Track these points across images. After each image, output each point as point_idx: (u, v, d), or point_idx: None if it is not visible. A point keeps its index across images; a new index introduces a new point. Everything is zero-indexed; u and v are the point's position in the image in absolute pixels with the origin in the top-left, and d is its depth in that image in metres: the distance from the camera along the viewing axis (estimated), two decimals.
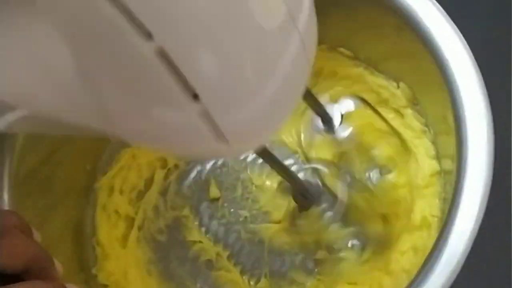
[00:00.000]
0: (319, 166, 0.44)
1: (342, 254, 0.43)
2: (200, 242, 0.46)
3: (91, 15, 0.18)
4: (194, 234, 0.46)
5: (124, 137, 0.23)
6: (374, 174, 0.44)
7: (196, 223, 0.47)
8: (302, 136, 0.45)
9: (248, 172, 0.47)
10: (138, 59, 0.19)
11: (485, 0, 0.51)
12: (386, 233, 0.42)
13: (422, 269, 0.30)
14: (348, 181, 0.42)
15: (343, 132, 0.42)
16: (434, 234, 0.39)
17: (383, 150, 0.44)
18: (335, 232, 0.43)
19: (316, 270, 0.44)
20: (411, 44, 0.38)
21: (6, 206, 0.37)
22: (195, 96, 0.20)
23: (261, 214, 0.46)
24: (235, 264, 0.45)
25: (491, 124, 0.34)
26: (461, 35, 0.36)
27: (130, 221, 0.47)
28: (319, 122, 0.42)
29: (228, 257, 0.46)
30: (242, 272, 0.45)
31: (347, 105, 0.42)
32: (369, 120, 0.43)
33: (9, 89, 0.21)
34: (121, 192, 0.48)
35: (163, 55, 0.19)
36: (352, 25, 0.43)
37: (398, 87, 0.45)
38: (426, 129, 0.43)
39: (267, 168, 0.46)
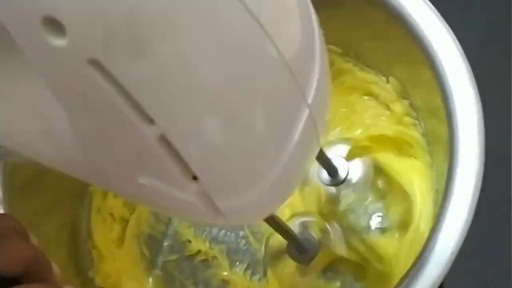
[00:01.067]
0: (315, 220, 0.43)
1: None
2: (197, 241, 0.46)
3: (93, 95, 0.18)
4: (190, 233, 0.47)
5: (119, 195, 0.23)
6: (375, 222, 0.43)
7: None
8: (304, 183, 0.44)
9: None
10: (138, 140, 0.18)
11: (485, 1, 0.52)
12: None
13: (417, 262, 0.31)
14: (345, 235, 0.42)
15: (348, 188, 0.42)
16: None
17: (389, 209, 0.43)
18: None
19: None
20: (400, 38, 0.38)
21: (1, 210, 0.37)
22: (194, 178, 0.20)
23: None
24: (234, 263, 0.46)
25: (482, 116, 0.34)
26: (449, 28, 0.36)
27: (125, 223, 0.47)
28: (323, 173, 0.42)
29: (227, 256, 0.46)
30: (241, 271, 0.45)
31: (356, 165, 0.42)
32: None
33: (2, 133, 0.21)
34: (115, 194, 0.48)
35: (164, 140, 0.18)
36: (341, 22, 0.44)
37: (388, 81, 0.45)
38: (417, 122, 0.43)
39: None
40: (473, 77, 0.35)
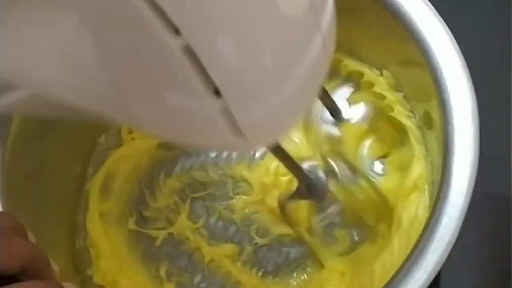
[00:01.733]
0: (322, 163, 0.44)
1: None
2: (195, 237, 0.46)
3: (120, 7, 0.18)
4: (188, 230, 0.47)
5: (137, 125, 0.23)
6: (377, 167, 0.45)
7: (190, 218, 0.47)
8: (309, 125, 0.45)
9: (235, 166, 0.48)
10: (164, 53, 0.19)
11: (484, 0, 0.52)
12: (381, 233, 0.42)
13: (417, 247, 0.31)
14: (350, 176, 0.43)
15: (350, 127, 0.43)
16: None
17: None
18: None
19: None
20: (393, 31, 0.38)
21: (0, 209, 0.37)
22: (217, 92, 0.20)
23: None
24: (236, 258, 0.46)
25: (476, 107, 0.34)
26: (443, 21, 0.36)
27: (123, 220, 0.47)
28: (327, 114, 0.42)
29: (226, 251, 0.46)
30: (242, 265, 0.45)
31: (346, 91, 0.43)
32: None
33: (24, 70, 0.21)
34: (112, 192, 0.48)
35: (190, 52, 0.19)
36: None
37: (382, 74, 0.45)
38: (412, 114, 0.43)
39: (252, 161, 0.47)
40: (467, 68, 0.35)
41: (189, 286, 0.46)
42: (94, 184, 0.48)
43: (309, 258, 0.45)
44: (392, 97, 0.44)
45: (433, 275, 0.30)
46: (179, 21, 0.18)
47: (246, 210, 0.47)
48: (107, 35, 0.19)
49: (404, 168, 0.43)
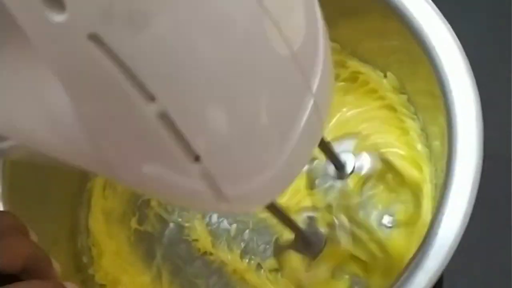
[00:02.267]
0: (322, 214, 0.43)
1: None
2: (198, 237, 0.46)
3: (94, 73, 0.17)
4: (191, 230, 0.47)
5: (121, 183, 0.22)
6: (386, 220, 0.43)
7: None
8: (311, 178, 0.44)
9: None
10: (138, 118, 0.18)
11: (484, 0, 0.52)
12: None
13: (419, 250, 0.31)
14: (353, 230, 0.42)
15: (354, 181, 0.42)
16: None
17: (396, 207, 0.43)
18: None
19: None
20: (397, 33, 0.38)
21: (1, 208, 0.37)
22: (197, 159, 0.19)
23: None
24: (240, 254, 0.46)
25: (480, 109, 0.34)
26: (447, 22, 0.36)
27: (125, 219, 0.47)
28: (330, 167, 0.42)
29: (230, 248, 0.46)
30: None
31: (364, 158, 0.42)
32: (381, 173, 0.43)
33: (6, 123, 0.21)
34: (114, 191, 0.48)
35: (165, 118, 0.18)
36: (338, 19, 0.44)
37: (385, 76, 0.45)
38: (415, 117, 0.43)
39: None
40: (471, 71, 0.35)
41: (191, 285, 0.46)
42: (97, 183, 0.48)
43: None
44: (395, 98, 0.44)
45: (435, 279, 0.30)
46: (154, 87, 0.17)
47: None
48: (80, 94, 0.18)
49: (412, 222, 0.41)
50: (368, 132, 0.45)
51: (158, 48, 0.17)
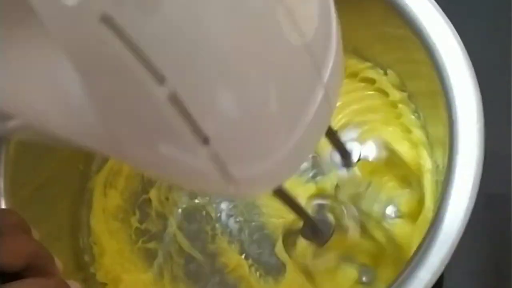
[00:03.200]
0: (331, 202, 0.42)
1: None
2: None
3: (105, 55, 0.17)
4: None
5: (130, 165, 0.23)
6: (390, 211, 0.44)
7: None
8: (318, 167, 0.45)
9: None
10: (149, 100, 0.18)
11: (485, 0, 0.52)
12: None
13: (421, 247, 0.31)
14: (361, 219, 0.42)
15: (360, 169, 0.43)
16: None
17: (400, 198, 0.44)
18: None
19: None
20: (398, 30, 0.38)
21: (3, 206, 0.37)
22: (206, 140, 0.19)
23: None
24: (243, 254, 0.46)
25: (481, 107, 0.34)
26: (448, 20, 0.36)
27: (126, 218, 0.47)
28: (336, 156, 0.41)
29: (230, 244, 0.46)
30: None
31: (369, 147, 0.42)
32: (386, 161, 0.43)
33: (17, 102, 0.21)
34: (115, 189, 0.48)
35: (176, 100, 0.18)
36: (340, 16, 0.44)
37: (386, 74, 0.45)
38: (416, 114, 0.43)
39: None
40: (473, 69, 0.35)
41: (192, 284, 0.46)
42: (98, 182, 0.48)
43: None
44: (396, 95, 0.44)
45: (437, 275, 0.30)
46: (164, 68, 0.18)
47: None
48: (92, 77, 0.19)
49: (416, 214, 0.41)
50: (371, 126, 0.45)
51: (169, 30, 0.17)
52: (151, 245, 0.47)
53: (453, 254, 0.31)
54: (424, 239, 0.31)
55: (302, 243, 0.42)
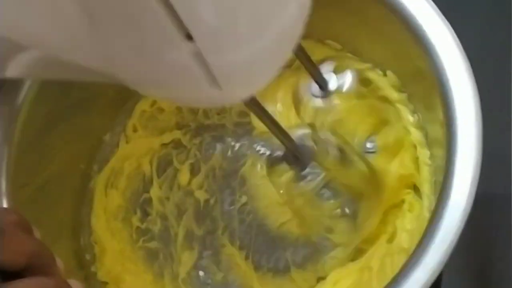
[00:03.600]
0: (311, 131, 0.42)
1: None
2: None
3: None
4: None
5: (125, 81, 0.24)
6: (368, 144, 0.44)
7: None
8: (298, 98, 0.45)
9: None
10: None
11: (484, 1, 0.52)
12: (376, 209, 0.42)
13: (419, 247, 0.31)
14: (342, 147, 0.42)
15: (337, 98, 0.43)
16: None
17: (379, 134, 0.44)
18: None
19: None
20: (397, 32, 0.38)
21: (5, 205, 0.37)
22: (189, 36, 0.21)
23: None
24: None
25: (479, 108, 0.34)
26: (448, 23, 0.36)
27: (128, 217, 0.48)
28: (314, 86, 0.42)
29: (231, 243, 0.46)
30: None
31: (346, 76, 0.43)
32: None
33: (20, 28, 0.22)
34: (116, 189, 0.48)
35: (166, 3, 0.20)
36: (339, 18, 0.44)
37: (385, 75, 0.45)
38: (415, 115, 0.43)
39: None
40: (471, 71, 0.35)
41: (192, 283, 0.46)
42: (99, 182, 0.48)
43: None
44: (395, 96, 0.44)
45: (435, 276, 0.30)
46: None
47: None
48: None
49: (396, 149, 0.43)
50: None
51: None
52: (152, 244, 0.47)
53: (452, 254, 0.31)
54: (422, 239, 0.31)
55: (285, 169, 0.42)
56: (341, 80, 0.42)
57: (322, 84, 0.42)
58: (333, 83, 0.42)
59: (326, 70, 0.42)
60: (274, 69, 0.26)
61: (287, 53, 0.26)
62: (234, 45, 0.22)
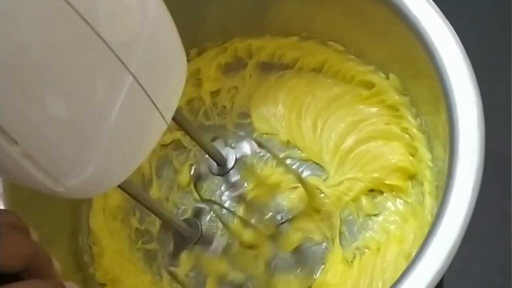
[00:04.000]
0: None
1: None
2: None
3: None
4: None
5: None
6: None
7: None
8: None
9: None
10: None
11: (484, 1, 0.52)
12: None
13: (421, 251, 0.31)
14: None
15: (236, 176, 0.43)
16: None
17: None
18: None
19: None
20: (400, 34, 0.38)
21: (2, 206, 0.37)
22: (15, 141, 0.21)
23: None
24: None
25: (482, 111, 0.34)
26: (450, 26, 0.36)
27: (126, 218, 0.47)
28: (213, 163, 0.41)
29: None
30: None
31: (243, 148, 0.42)
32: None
33: None
34: (115, 189, 0.48)
35: None
36: (342, 20, 0.44)
37: (388, 78, 0.45)
38: (418, 119, 0.43)
39: None
40: (473, 73, 0.35)
41: (192, 284, 0.46)
42: None
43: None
44: (398, 99, 0.44)
45: (437, 280, 0.30)
46: None
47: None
48: None
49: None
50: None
51: None
52: (151, 246, 0.47)
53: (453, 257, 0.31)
54: (424, 243, 0.31)
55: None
56: (239, 155, 0.42)
57: (221, 162, 0.41)
58: (231, 158, 0.41)
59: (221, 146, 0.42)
60: (122, 176, 0.25)
61: (146, 151, 0.26)
62: (66, 153, 0.23)
